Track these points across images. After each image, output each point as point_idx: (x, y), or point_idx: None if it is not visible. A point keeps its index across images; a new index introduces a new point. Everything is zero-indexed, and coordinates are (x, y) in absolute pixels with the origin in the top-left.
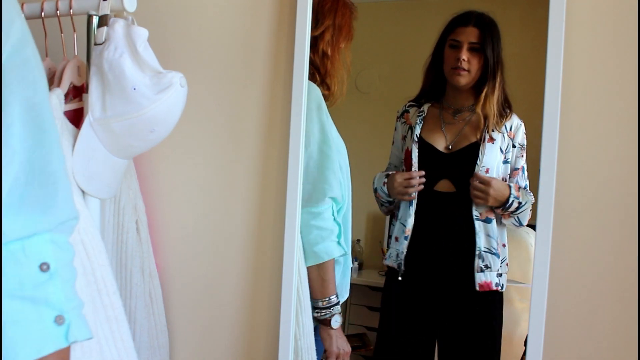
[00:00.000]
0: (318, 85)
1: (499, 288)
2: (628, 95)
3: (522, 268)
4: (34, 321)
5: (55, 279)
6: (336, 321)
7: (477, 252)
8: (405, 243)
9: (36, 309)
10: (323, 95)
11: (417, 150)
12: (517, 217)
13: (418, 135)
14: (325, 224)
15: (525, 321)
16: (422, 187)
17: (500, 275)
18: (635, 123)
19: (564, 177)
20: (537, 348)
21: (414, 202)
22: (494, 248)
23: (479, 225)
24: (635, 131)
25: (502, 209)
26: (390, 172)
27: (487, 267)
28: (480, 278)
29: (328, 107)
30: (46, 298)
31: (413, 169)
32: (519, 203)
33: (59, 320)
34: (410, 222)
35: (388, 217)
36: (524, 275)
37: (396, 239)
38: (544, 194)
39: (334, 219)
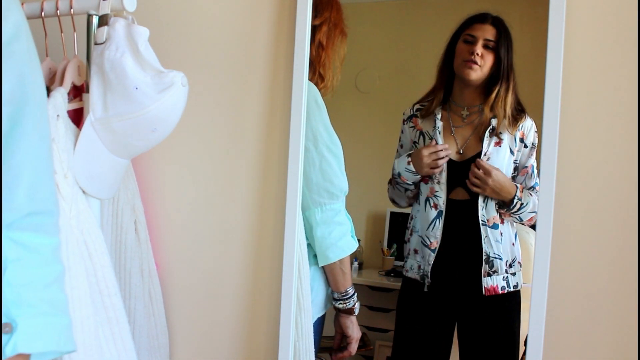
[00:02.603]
0: (312, 76)
1: (504, 291)
2: (628, 95)
3: (523, 268)
4: None
5: (2, 282)
6: (357, 308)
7: (484, 257)
8: (433, 255)
9: None
10: (316, 85)
11: None
12: (519, 216)
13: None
14: (344, 220)
15: (526, 321)
16: (448, 158)
17: (512, 276)
18: (635, 123)
19: (564, 177)
20: (537, 348)
21: (443, 214)
22: (501, 253)
23: (484, 230)
24: (635, 131)
25: (507, 209)
26: (409, 153)
27: (494, 272)
28: (487, 282)
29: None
30: None
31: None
32: (521, 204)
33: (6, 328)
34: (438, 234)
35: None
36: (524, 275)
37: (415, 251)
38: (544, 194)
39: (346, 214)
